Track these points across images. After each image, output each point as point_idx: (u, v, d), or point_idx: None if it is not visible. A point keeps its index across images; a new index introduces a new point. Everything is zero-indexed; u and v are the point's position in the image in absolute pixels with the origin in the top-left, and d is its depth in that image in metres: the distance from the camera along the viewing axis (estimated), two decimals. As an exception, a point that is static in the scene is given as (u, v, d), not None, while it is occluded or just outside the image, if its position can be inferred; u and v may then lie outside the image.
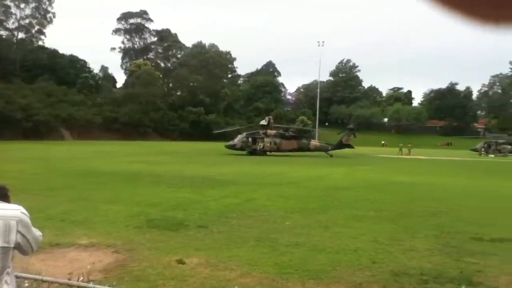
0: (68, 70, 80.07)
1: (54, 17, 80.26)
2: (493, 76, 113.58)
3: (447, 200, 13.12)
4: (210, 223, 8.76)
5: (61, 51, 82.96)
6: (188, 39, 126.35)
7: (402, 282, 5.62)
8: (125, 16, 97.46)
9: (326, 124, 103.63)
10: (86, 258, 6.29)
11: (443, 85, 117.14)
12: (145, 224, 8.55)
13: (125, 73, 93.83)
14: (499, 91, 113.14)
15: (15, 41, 77.61)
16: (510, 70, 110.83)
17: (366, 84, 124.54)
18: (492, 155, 52.94)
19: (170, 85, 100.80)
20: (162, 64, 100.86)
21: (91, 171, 19.42)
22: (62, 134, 66.57)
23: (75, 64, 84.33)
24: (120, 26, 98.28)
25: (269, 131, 40.66)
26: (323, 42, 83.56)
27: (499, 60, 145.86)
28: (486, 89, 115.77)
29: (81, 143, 55.08)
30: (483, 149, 56.08)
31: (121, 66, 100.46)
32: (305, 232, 8.21)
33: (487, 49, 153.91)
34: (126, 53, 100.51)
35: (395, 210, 11.01)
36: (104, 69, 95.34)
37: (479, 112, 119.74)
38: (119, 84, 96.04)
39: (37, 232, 2.67)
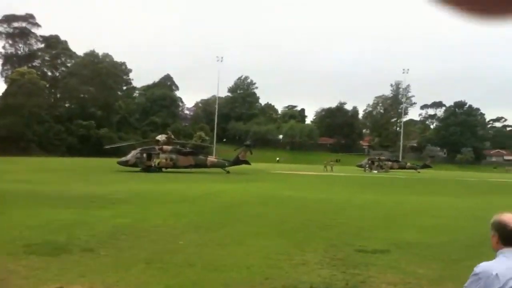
0: None
1: None
2: (377, 97, 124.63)
3: (334, 214, 13.87)
4: (96, 246, 8.17)
5: None
6: (79, 47, 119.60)
7: (293, 297, 5.73)
8: (7, 19, 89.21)
9: (224, 140, 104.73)
10: None
11: (333, 104, 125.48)
12: (21, 249, 7.69)
13: (6, 82, 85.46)
14: (382, 111, 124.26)
15: None
16: (390, 91, 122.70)
17: (262, 101, 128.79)
18: (375, 171, 57.60)
19: (58, 95, 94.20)
20: (50, 73, 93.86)
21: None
22: None
23: None
24: (1, 29, 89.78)
25: (165, 147, 39.71)
26: (221, 57, 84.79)
27: (382, 81, 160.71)
28: (370, 109, 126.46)
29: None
30: (367, 166, 60.75)
31: (1, 73, 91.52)
32: (199, 251, 8.05)
33: (372, 70, 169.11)
34: (8, 59, 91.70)
35: (286, 225, 11.34)
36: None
37: (364, 130, 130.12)
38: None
39: None
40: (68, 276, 6.26)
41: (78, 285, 5.87)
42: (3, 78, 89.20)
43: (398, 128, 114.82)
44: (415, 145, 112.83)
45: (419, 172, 61.76)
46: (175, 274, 6.56)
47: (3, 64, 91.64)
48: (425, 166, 67.47)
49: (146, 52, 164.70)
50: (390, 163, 63.63)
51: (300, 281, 6.37)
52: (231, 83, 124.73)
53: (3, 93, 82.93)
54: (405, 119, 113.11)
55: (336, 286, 6.21)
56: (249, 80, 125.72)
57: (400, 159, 76.61)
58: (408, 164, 68.12)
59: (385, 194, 22.83)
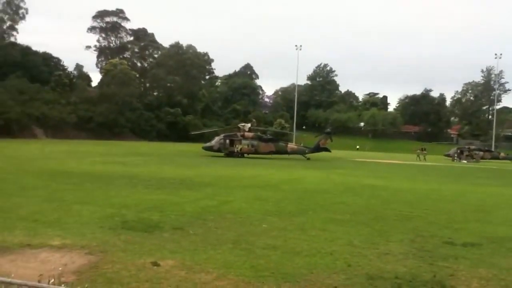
0: (41, 68, 78.26)
1: (26, 13, 78.62)
2: (466, 84, 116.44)
3: (420, 204, 13.33)
4: (186, 225, 8.67)
5: (34, 48, 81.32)
6: (165, 39, 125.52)
7: (377, 285, 5.67)
8: (101, 14, 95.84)
9: (304, 127, 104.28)
10: (58, 259, 6.13)
11: (418, 91, 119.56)
12: (120, 225, 8.40)
13: (101, 72, 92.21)
14: (472, 98, 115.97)
15: (-15, 37, 75.76)
16: (481, 78, 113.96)
17: (342, 89, 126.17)
18: (465, 161, 54.18)
19: (147, 85, 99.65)
20: (139, 64, 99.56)
21: (64, 171, 19.00)
22: (35, 132, 65.08)
23: (49, 62, 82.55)
24: (95, 24, 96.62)
25: (246, 134, 40.65)
26: (301, 46, 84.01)
27: (472, 68, 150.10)
28: (459, 96, 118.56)
29: (54, 142, 53.88)
30: (456, 155, 57.33)
31: (97, 65, 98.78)
32: (282, 235, 8.20)
33: (461, 57, 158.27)
34: (102, 52, 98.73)
35: (370, 214, 11.12)
36: (78, 67, 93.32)
37: (452, 118, 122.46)
38: (94, 83, 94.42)
39: None
40: (161, 251, 6.71)
41: (170, 260, 6.27)
42: (98, 69, 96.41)
43: (490, 116, 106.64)
44: (509, 134, 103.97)
45: (514, 163, 56.99)
46: (260, 255, 6.74)
47: (98, 56, 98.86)
48: (522, 157, 62.08)
49: (227, 42, 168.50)
50: (481, 152, 59.34)
51: (384, 271, 6.27)
52: (310, 71, 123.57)
53: (98, 83, 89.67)
54: (498, 106, 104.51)
55: (423, 278, 6.02)
56: (328, 68, 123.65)
57: (493, 149, 71.11)
58: (502, 154, 63.06)
59: (476, 185, 21.45)
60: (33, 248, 6.66)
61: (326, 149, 42.06)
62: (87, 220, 8.83)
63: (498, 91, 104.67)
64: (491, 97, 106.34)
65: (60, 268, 5.58)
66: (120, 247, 6.87)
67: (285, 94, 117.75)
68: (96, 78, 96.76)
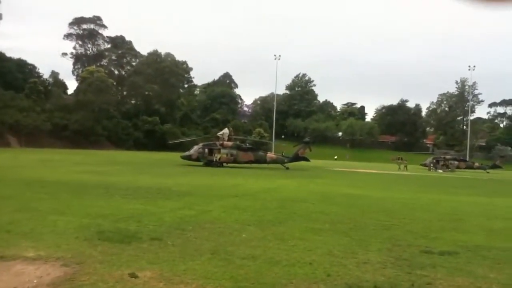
0: (15, 74, 76.78)
1: (0, 18, 77.19)
2: (441, 95, 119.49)
3: (398, 213, 13.49)
4: (164, 235, 8.54)
5: (8, 54, 79.83)
6: (143, 47, 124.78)
7: (357, 294, 5.68)
8: (77, 21, 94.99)
9: (283, 136, 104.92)
10: (32, 272, 5.94)
11: (394, 101, 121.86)
12: (96, 236, 8.21)
13: (77, 80, 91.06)
14: (446, 109, 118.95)
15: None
16: (456, 89, 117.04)
17: (321, 99, 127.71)
18: (440, 170, 55.30)
19: (124, 93, 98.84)
20: (116, 72, 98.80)
21: (39, 180, 18.55)
22: (8, 140, 63.58)
23: (23, 69, 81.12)
24: (72, 31, 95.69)
25: (225, 143, 40.57)
26: (279, 55, 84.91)
27: (446, 79, 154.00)
28: (434, 107, 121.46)
29: (28, 150, 52.70)
30: (432, 165, 58.48)
31: (73, 72, 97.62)
32: (261, 245, 8.15)
33: (436, 68, 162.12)
34: (78, 59, 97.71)
35: (349, 223, 11.18)
36: (54, 74, 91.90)
37: (428, 128, 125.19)
38: (70, 91, 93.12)
39: None
40: (139, 262, 6.58)
41: (149, 271, 6.17)
42: (75, 76, 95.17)
43: (464, 127, 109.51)
44: (483, 144, 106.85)
45: (488, 172, 58.55)
46: (239, 266, 6.68)
47: (74, 64, 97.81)
48: (495, 166, 63.87)
49: (206, 51, 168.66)
50: (456, 162, 60.83)
51: (363, 280, 6.28)
52: (289, 81, 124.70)
53: (74, 90, 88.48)
54: (472, 117, 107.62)
55: (401, 287, 6.07)
56: (306, 78, 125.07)
57: (468, 159, 72.89)
58: (476, 163, 64.76)
59: (452, 194, 21.90)
60: (6, 260, 6.44)
61: (305, 159, 42.32)
62: (62, 230, 8.61)
63: (472, 102, 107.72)
64: (465, 108, 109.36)
65: (34, 281, 5.44)
66: (96, 258, 6.71)
67: (264, 103, 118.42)
68: (72, 85, 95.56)
